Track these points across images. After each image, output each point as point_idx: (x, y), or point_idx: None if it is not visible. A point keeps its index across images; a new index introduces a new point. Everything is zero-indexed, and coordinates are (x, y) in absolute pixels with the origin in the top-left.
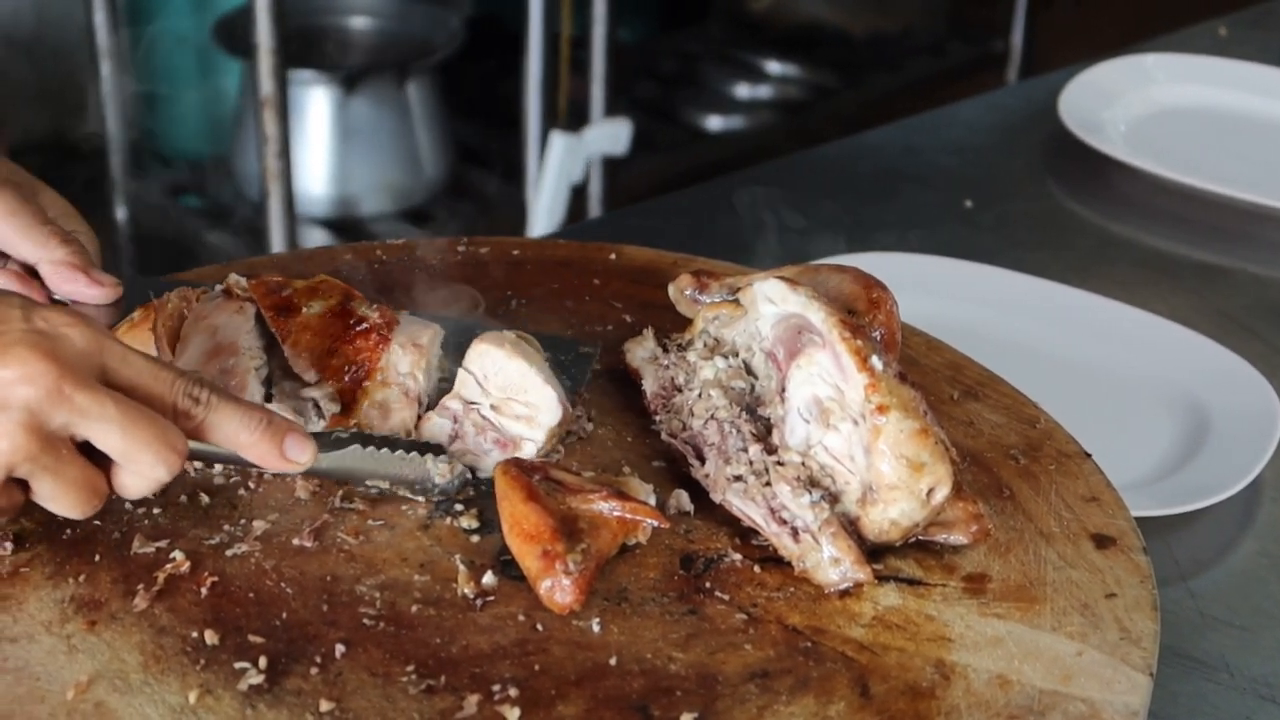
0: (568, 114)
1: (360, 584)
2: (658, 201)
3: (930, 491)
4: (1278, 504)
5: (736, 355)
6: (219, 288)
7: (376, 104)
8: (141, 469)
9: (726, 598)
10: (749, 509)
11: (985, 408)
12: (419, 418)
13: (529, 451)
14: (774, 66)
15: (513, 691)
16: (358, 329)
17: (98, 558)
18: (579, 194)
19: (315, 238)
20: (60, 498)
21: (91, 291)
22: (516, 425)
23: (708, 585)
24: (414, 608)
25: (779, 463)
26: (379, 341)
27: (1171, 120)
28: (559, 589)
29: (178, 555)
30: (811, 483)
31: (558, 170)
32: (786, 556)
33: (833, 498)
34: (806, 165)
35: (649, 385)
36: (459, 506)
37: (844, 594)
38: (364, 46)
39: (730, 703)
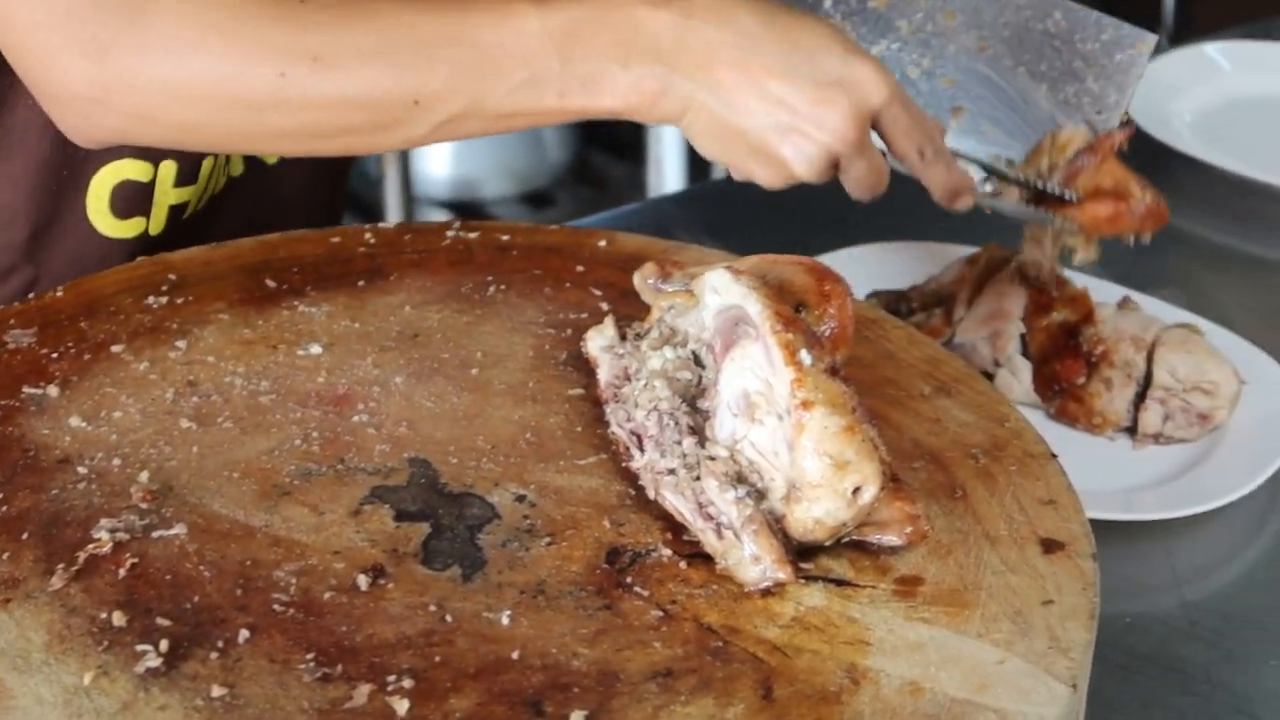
0: None
1: (279, 569)
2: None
3: (856, 491)
4: None
5: (686, 345)
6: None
7: None
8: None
9: (646, 593)
10: (679, 503)
11: (956, 405)
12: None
13: None
14: None
15: (406, 683)
16: (1072, 349)
17: (25, 535)
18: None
19: (435, 219)
20: (864, 179)
21: None
22: None
23: (629, 580)
24: (327, 594)
25: (710, 457)
26: (1084, 369)
27: (1239, 111)
28: None
29: (102, 535)
30: (739, 478)
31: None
32: (710, 552)
33: (759, 494)
34: None
35: (603, 374)
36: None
37: (767, 593)
38: None
39: (626, 701)
